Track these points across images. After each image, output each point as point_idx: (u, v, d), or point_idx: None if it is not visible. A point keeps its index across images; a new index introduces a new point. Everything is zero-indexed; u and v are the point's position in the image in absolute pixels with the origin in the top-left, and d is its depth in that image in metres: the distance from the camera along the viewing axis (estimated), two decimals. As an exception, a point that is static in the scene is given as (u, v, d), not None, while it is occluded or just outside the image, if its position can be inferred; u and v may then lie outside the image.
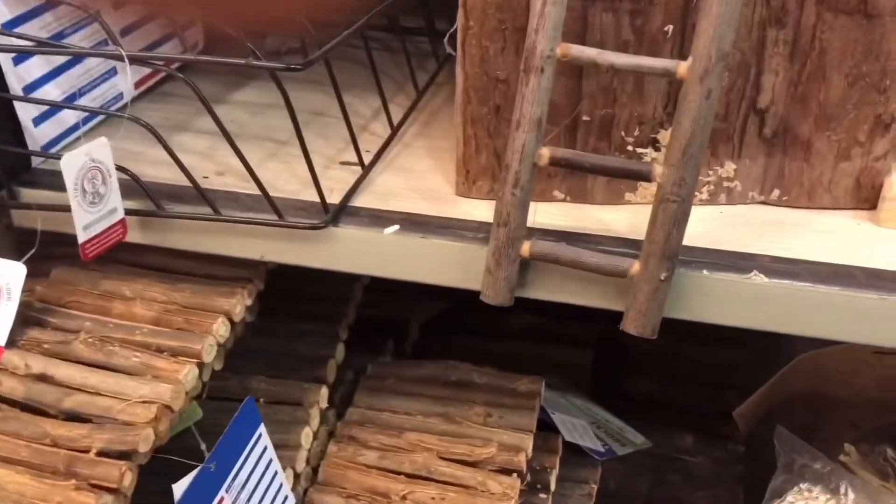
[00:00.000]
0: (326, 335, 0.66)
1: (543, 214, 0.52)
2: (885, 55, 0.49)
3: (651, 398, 0.86)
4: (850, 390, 0.72)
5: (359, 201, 0.54)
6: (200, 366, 0.53)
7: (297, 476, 0.60)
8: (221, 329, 0.54)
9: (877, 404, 0.71)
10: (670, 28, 0.48)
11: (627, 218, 0.53)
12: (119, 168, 0.52)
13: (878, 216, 0.52)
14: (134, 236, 0.54)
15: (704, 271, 0.48)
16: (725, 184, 0.53)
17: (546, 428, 0.69)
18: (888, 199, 0.52)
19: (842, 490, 0.57)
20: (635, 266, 0.47)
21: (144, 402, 0.49)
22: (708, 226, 0.51)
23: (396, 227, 0.51)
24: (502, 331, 0.86)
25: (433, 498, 0.57)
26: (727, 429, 0.80)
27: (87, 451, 0.47)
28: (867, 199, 0.53)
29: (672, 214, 0.45)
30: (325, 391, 0.63)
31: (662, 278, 0.46)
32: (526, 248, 0.48)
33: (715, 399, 0.82)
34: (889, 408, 0.70)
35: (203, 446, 0.51)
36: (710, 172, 0.53)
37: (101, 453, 0.47)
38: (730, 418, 0.78)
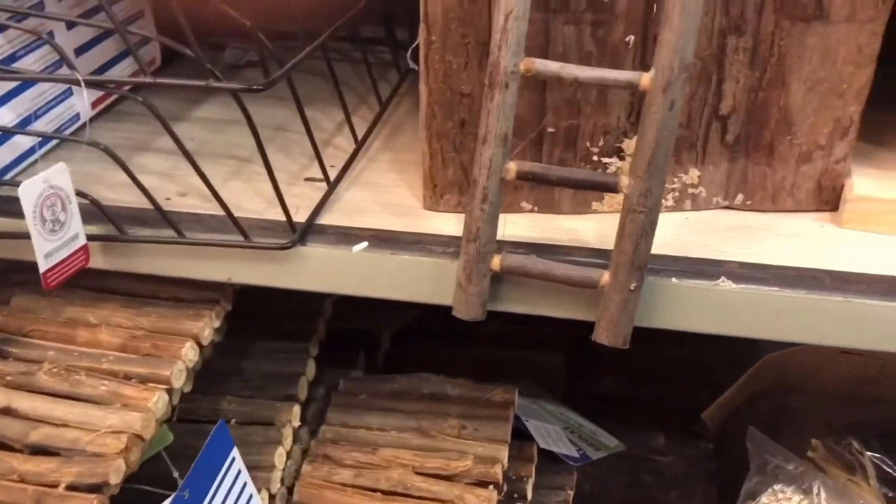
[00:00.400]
0: (296, 352, 0.65)
1: (512, 226, 0.52)
2: (841, 60, 0.49)
3: (622, 398, 0.86)
4: (817, 388, 0.73)
5: (326, 218, 0.54)
6: (170, 391, 0.52)
7: (272, 497, 0.59)
8: (190, 353, 0.53)
9: (843, 401, 0.72)
10: (632, 38, 0.48)
11: (595, 227, 0.53)
12: (79, 193, 0.50)
13: (840, 218, 0.53)
14: (97, 262, 0.53)
15: (673, 279, 0.48)
16: (690, 190, 0.54)
17: (520, 435, 0.69)
18: (849, 201, 0.52)
19: (814, 490, 0.58)
20: (605, 277, 0.47)
21: (114, 431, 0.48)
22: (675, 233, 0.52)
23: (365, 244, 0.51)
24: (474, 337, 0.85)
25: (410, 514, 0.57)
26: (698, 427, 0.81)
27: (55, 486, 0.46)
28: (828, 201, 0.54)
29: (640, 225, 0.45)
30: (297, 409, 0.62)
31: (632, 288, 0.46)
32: (496, 262, 0.48)
33: (685, 397, 0.83)
34: (855, 405, 0.72)
35: (176, 473, 0.50)
36: (675, 179, 0.53)
37: (70, 487, 0.46)
38: (700, 416, 0.79)
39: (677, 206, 0.54)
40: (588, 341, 0.49)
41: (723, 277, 0.48)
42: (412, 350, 0.82)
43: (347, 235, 0.52)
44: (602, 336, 0.48)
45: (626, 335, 0.47)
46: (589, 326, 0.48)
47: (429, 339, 0.83)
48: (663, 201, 0.53)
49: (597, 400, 0.84)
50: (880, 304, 0.47)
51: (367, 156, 0.61)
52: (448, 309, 0.50)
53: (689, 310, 0.48)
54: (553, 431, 0.71)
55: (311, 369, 0.65)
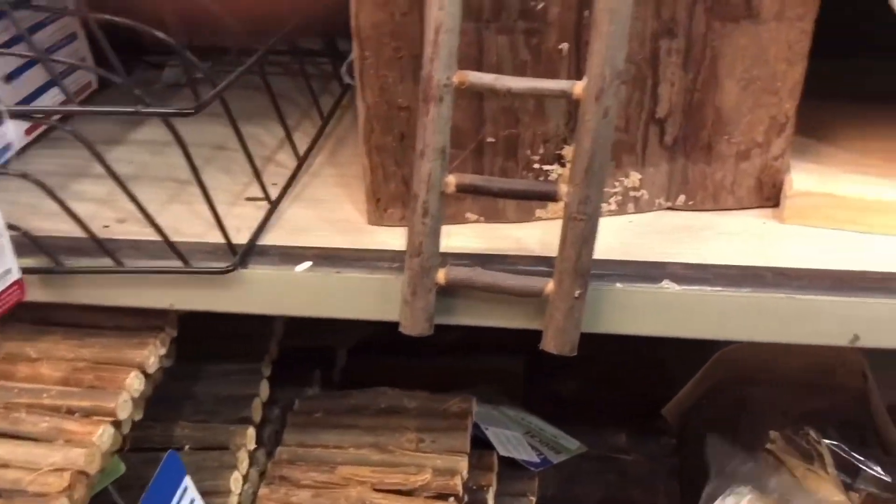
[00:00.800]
0: (249, 373, 0.64)
1: (457, 238, 0.52)
2: (773, 58, 0.50)
3: (583, 399, 0.87)
4: (774, 379, 0.74)
5: (268, 239, 0.53)
6: (117, 424, 0.51)
7: (229, 523, 0.58)
8: (135, 383, 0.52)
9: (800, 391, 0.73)
10: (565, 46, 0.48)
11: (540, 235, 0.53)
12: (11, 226, 0.49)
13: (782, 214, 0.54)
14: (34, 294, 0.52)
15: (618, 284, 0.48)
16: (632, 193, 0.54)
17: (481, 444, 0.69)
18: (789, 197, 0.53)
19: (770, 487, 0.59)
20: (549, 286, 0.47)
21: (56, 469, 0.47)
22: (618, 237, 0.52)
23: (309, 263, 0.50)
24: (433, 347, 0.85)
25: (371, 532, 0.56)
26: (659, 423, 0.81)
27: (-3, 529, 0.45)
28: (769, 197, 0.54)
29: (580, 233, 0.45)
30: (251, 432, 0.62)
31: (577, 296, 0.46)
32: (441, 275, 0.48)
33: (645, 394, 0.84)
34: (811, 393, 0.73)
35: (125, 508, 0.49)
36: (617, 183, 0.53)
37: (13, 529, 0.45)
38: (659, 413, 0.79)
39: (620, 210, 0.54)
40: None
41: (666, 280, 0.48)
42: (370, 364, 0.82)
43: (290, 255, 0.51)
44: (549, 345, 0.48)
45: (573, 343, 0.47)
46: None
47: (387, 352, 0.83)
48: (606, 206, 0.54)
49: (558, 402, 0.84)
50: (822, 299, 0.47)
51: (310, 171, 0.61)
52: (401, 321, 0.49)
53: (635, 314, 0.48)
54: (513, 437, 0.71)
55: (264, 390, 0.64)
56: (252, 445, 0.61)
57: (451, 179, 0.46)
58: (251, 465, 0.62)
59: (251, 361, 0.65)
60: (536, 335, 0.50)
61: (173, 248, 0.49)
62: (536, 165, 0.52)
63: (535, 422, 0.77)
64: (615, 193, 0.53)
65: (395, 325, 0.50)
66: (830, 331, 0.47)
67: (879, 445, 0.71)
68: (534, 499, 0.67)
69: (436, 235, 0.47)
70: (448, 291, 0.49)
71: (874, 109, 0.61)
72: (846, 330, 0.47)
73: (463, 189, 0.46)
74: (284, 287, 0.50)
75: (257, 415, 0.63)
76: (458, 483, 0.59)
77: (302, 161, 0.60)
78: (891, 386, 0.76)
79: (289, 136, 0.59)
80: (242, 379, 0.64)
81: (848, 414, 0.74)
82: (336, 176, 0.60)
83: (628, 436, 0.82)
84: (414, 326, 0.48)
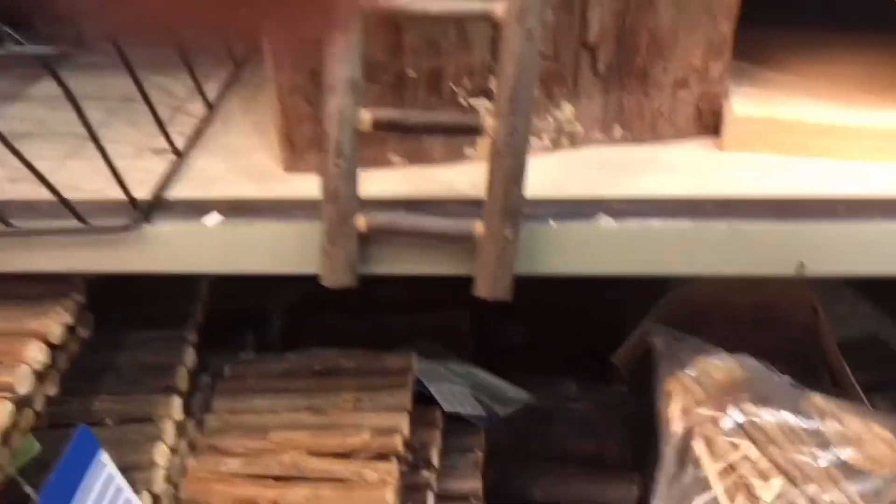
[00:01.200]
0: (173, 340, 0.60)
1: (380, 183, 0.48)
2: (708, -25, 0.47)
3: (532, 349, 0.84)
4: (723, 318, 0.73)
5: (176, 192, 0.49)
6: (21, 400, 0.47)
7: (156, 498, 0.54)
8: (37, 355, 0.48)
9: (751, 327, 0.72)
10: (485, -34, 0.44)
11: (469, 175, 0.49)
12: None
13: (722, 142, 0.51)
14: (-82, 264, 0.47)
15: (551, 222, 0.45)
16: (567, 127, 0.50)
17: (428, 401, 0.66)
18: (729, 124, 0.50)
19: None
20: (479, 227, 0.43)
21: (-50, 452, 0.43)
22: (553, 174, 0.49)
23: (217, 215, 0.46)
24: (376, 303, 0.82)
25: (307, 499, 0.53)
26: (609, 370, 0.79)
27: None
28: (709, 125, 0.52)
29: (508, 168, 0.42)
30: (177, 401, 0.58)
31: (508, 236, 0.43)
32: (362, 222, 0.44)
33: (594, 341, 0.82)
34: (759, 330, 0.71)
35: (30, 490, 0.46)
36: (550, 118, 0.50)
37: None
38: (610, 360, 0.77)
39: (555, 146, 0.51)
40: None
41: (602, 215, 0.45)
42: (310, 325, 0.78)
43: (198, 208, 0.47)
44: (482, 289, 0.45)
45: (506, 286, 0.44)
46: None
47: (326, 311, 0.79)
48: (539, 142, 0.50)
49: (506, 354, 0.81)
50: (765, 228, 0.45)
51: (225, 120, 0.56)
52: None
53: (571, 253, 0.46)
54: (459, 393, 0.68)
55: (189, 357, 0.60)
56: (179, 416, 0.58)
57: (366, 115, 0.42)
58: (180, 436, 0.58)
59: (175, 327, 0.61)
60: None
61: (68, 206, 0.45)
62: (462, 100, 0.48)
63: (481, 375, 0.74)
64: (549, 129, 0.50)
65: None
66: (775, 260, 0.45)
67: (830, 379, 0.70)
68: (481, 453, 0.64)
69: (352, 178, 0.43)
70: (372, 239, 0.46)
71: (813, 32, 0.58)
72: (791, 258, 0.45)
73: (379, 126, 0.43)
74: (193, 243, 0.46)
75: (183, 383, 0.59)
76: (398, 442, 0.56)
77: (211, 107, 0.55)
78: (841, 322, 0.75)
79: (196, 82, 0.54)
80: (166, 346, 0.60)
81: (799, 349, 0.73)
82: (252, 123, 0.56)
83: (579, 384, 0.80)
84: (335, 278, 0.45)
